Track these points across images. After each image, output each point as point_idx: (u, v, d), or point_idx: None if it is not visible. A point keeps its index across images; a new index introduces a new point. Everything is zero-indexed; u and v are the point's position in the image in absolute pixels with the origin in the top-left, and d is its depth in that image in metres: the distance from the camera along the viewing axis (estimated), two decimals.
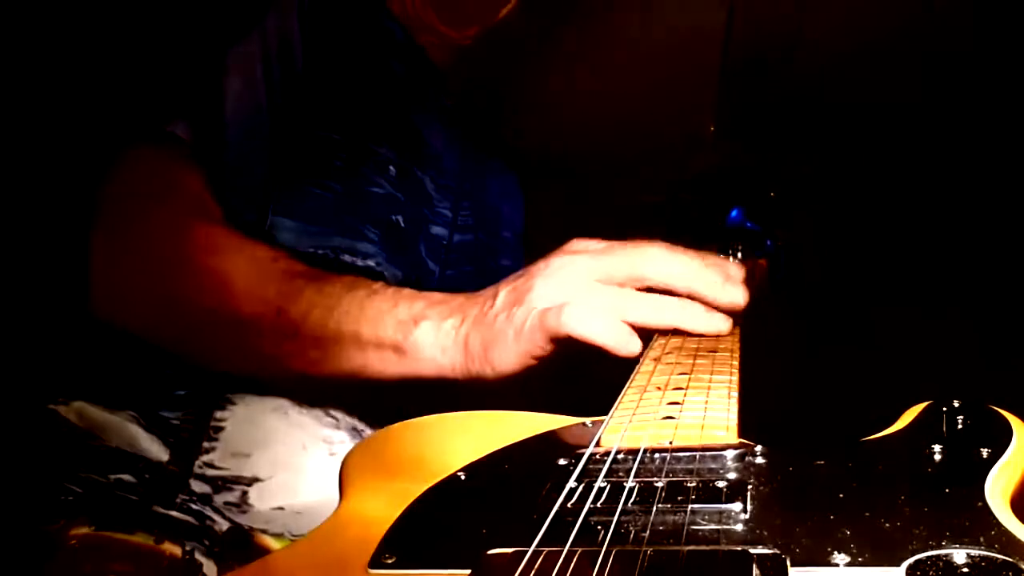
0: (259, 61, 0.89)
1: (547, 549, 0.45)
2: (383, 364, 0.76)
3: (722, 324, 0.74)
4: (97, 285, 0.79)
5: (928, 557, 0.42)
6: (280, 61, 0.90)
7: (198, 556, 0.76)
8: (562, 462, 0.58)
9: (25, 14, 0.89)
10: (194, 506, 0.80)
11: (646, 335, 0.73)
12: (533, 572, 0.43)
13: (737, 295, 0.75)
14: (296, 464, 0.84)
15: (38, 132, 0.88)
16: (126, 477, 0.80)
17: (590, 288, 0.71)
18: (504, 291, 0.73)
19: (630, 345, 0.69)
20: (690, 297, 0.74)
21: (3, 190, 0.86)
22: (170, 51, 0.88)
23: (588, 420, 0.66)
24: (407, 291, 0.78)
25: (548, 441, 0.64)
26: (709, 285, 0.74)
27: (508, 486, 0.58)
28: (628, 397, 0.66)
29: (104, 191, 0.82)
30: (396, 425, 0.69)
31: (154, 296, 0.80)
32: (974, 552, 0.42)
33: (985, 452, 0.52)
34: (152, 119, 0.85)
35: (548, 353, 0.70)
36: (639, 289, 0.73)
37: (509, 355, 0.71)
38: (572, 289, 0.70)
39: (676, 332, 0.76)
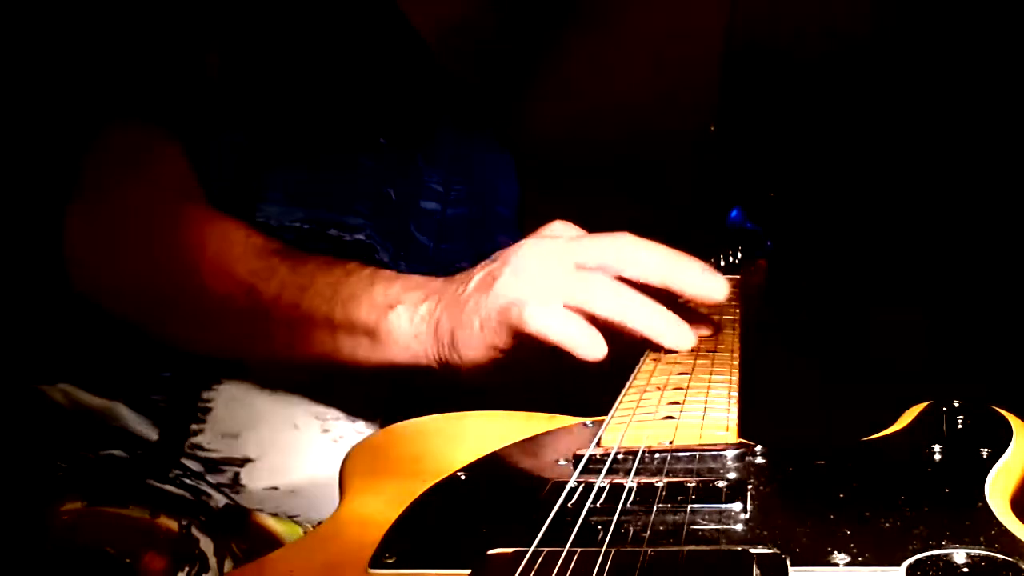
0: (242, 33, 0.88)
1: (547, 549, 0.45)
2: (355, 349, 0.73)
3: (687, 340, 0.64)
4: (72, 259, 0.79)
5: (928, 557, 0.42)
6: (265, 33, 0.89)
7: (194, 531, 0.76)
8: (562, 462, 0.58)
9: None
10: (188, 481, 0.80)
11: (615, 343, 0.65)
12: (533, 572, 0.43)
13: (717, 285, 0.64)
14: (288, 443, 0.83)
15: (22, 107, 0.88)
16: (117, 452, 0.79)
17: (555, 276, 0.65)
18: (478, 275, 0.69)
19: (593, 349, 0.62)
20: (666, 291, 0.65)
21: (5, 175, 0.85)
22: (153, 25, 0.87)
23: (588, 420, 0.66)
24: (385, 272, 0.75)
25: (548, 441, 0.64)
26: (687, 274, 0.64)
27: (508, 486, 0.58)
28: (628, 397, 0.66)
29: (84, 165, 0.81)
30: (396, 425, 0.69)
31: (127, 273, 0.79)
32: (974, 552, 0.42)
33: (985, 452, 0.52)
34: (133, 93, 0.83)
35: (511, 347, 0.66)
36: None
37: (474, 345, 0.67)
38: (538, 278, 0.65)
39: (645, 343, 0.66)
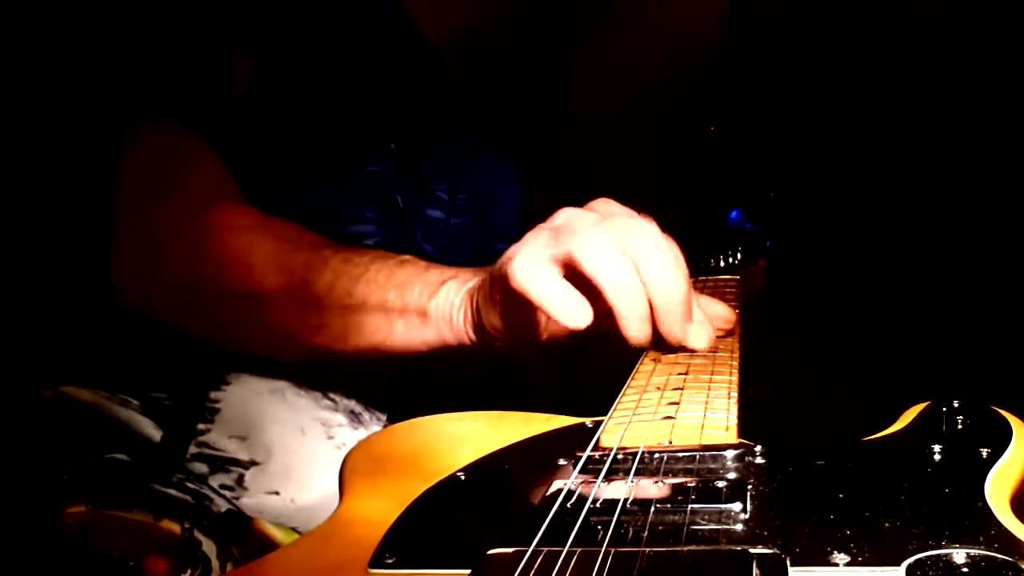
0: (262, 41, 0.88)
1: (547, 549, 0.45)
2: (407, 331, 0.73)
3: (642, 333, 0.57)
4: (120, 275, 0.79)
5: (928, 557, 0.42)
6: (278, 39, 0.89)
7: (197, 534, 0.76)
8: (562, 462, 0.58)
9: None
10: (191, 485, 0.80)
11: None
12: (533, 572, 0.43)
13: (701, 337, 0.59)
14: (294, 448, 0.84)
15: (46, 117, 0.88)
16: (120, 456, 0.80)
17: (553, 234, 0.59)
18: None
19: (575, 314, 0.55)
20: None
21: (7, 179, 0.85)
22: (179, 29, 0.87)
23: (588, 420, 0.66)
24: (441, 265, 0.75)
25: (548, 441, 0.64)
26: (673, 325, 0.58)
27: (508, 486, 0.58)
28: (627, 397, 0.66)
29: (119, 174, 0.81)
30: (397, 425, 0.70)
31: (178, 280, 0.80)
32: (974, 552, 0.42)
33: (985, 452, 0.53)
34: (161, 95, 0.84)
35: (519, 307, 0.61)
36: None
37: (494, 311, 0.66)
38: (539, 236, 0.60)
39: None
